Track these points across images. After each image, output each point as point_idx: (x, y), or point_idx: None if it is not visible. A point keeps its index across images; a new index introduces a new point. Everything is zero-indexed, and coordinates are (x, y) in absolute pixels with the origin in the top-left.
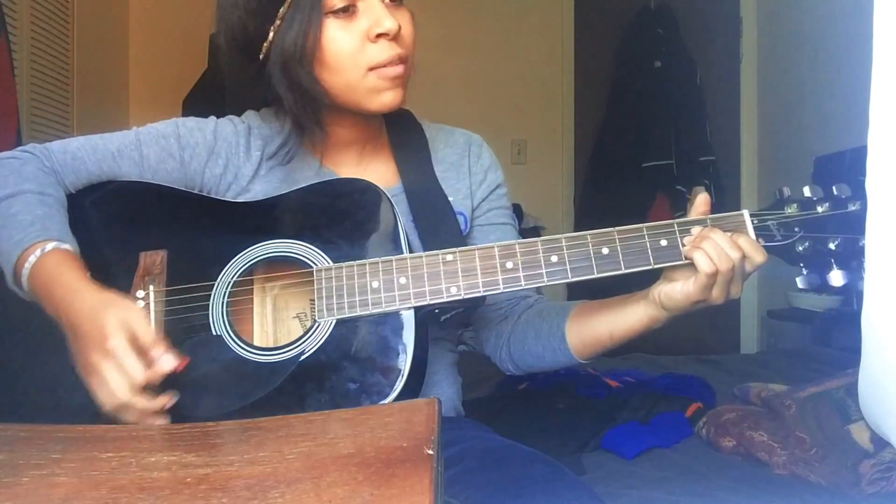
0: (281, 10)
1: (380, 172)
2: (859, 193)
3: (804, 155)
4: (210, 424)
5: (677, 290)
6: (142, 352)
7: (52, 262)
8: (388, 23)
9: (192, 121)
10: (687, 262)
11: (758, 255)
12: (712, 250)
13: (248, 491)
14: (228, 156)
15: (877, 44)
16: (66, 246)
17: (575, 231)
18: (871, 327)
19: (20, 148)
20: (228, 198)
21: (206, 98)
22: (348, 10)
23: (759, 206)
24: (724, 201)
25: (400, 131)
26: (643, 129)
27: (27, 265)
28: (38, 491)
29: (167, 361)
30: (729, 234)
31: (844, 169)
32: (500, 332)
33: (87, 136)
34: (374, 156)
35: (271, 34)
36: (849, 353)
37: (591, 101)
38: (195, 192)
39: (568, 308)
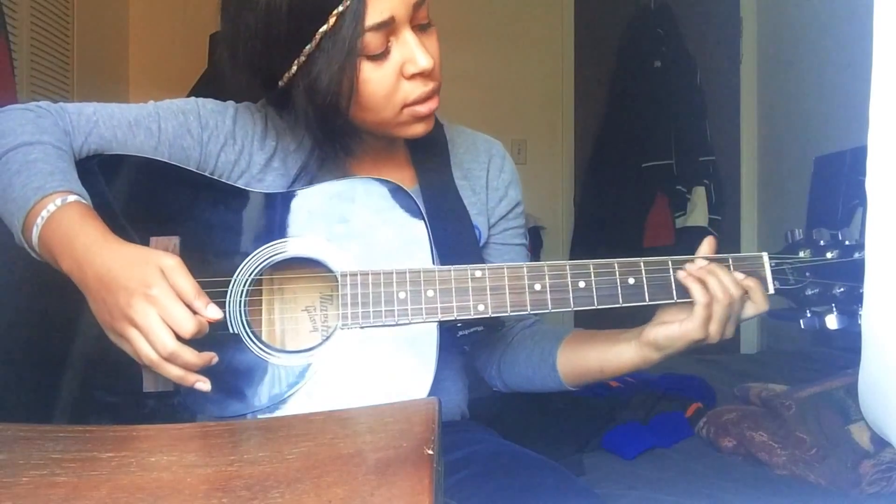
0: (307, 48)
1: (396, 173)
2: (860, 240)
3: (804, 155)
4: (210, 424)
5: (675, 329)
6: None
7: (75, 213)
8: (423, 61)
9: (211, 102)
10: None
11: (762, 303)
12: (711, 281)
13: (248, 491)
14: (244, 143)
15: (877, 44)
16: (87, 203)
17: (575, 231)
18: (870, 327)
19: (34, 103)
20: (239, 185)
21: (207, 97)
22: (384, 54)
23: (759, 207)
24: (724, 201)
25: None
26: (643, 129)
27: (44, 213)
28: (38, 491)
29: (214, 311)
30: (743, 275)
31: (844, 169)
32: (494, 348)
33: (103, 103)
34: (391, 155)
35: (294, 67)
36: (849, 353)
37: (591, 101)
38: (206, 174)
39: (561, 335)
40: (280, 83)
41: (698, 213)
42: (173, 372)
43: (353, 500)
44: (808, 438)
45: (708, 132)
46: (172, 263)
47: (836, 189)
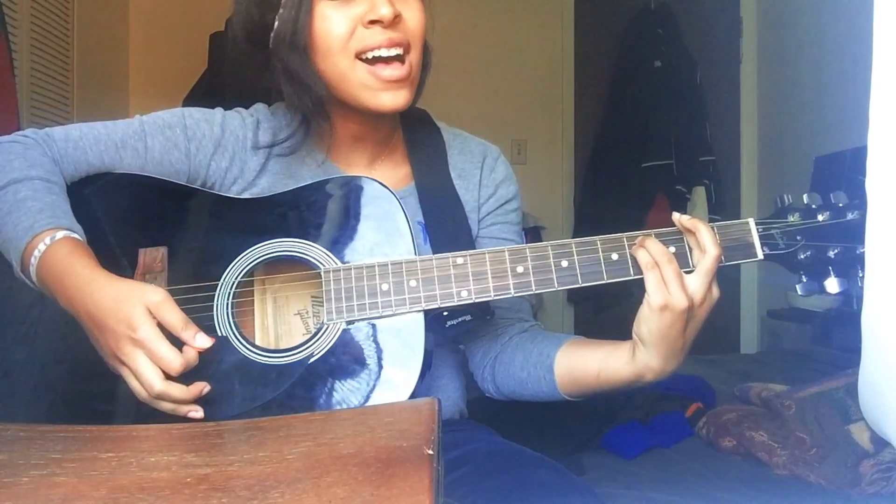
0: None
1: (392, 172)
2: (856, 201)
3: (804, 155)
4: (210, 424)
5: (643, 311)
6: (172, 336)
7: (63, 252)
8: (384, 9)
9: (198, 112)
10: (692, 269)
11: (711, 246)
12: (651, 245)
13: (248, 491)
14: (235, 149)
15: (877, 44)
16: (76, 235)
17: (575, 231)
18: (870, 328)
19: (20, 132)
20: (234, 192)
21: (207, 98)
22: None
23: (759, 206)
24: (724, 201)
25: (415, 131)
26: (643, 129)
27: (36, 253)
28: (38, 491)
29: (202, 340)
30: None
31: (844, 169)
32: (489, 349)
33: (89, 123)
34: (388, 156)
35: (277, 22)
36: (849, 353)
37: (591, 101)
38: (198, 184)
39: (561, 339)
40: (269, 46)
41: (698, 213)
42: (165, 407)
43: (353, 500)
44: (808, 438)
45: (708, 132)
46: (158, 299)
47: (836, 189)
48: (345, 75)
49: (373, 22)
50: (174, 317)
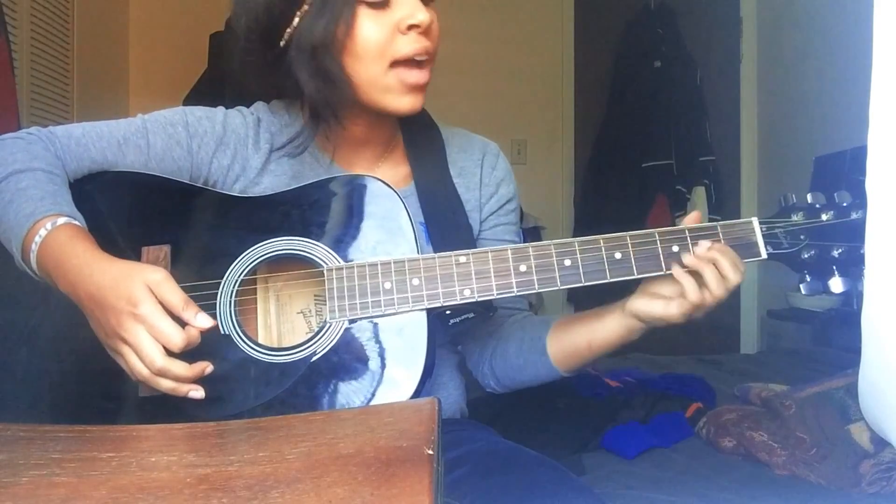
0: None
1: (392, 172)
2: (859, 200)
3: (804, 155)
4: (210, 424)
5: (657, 310)
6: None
7: (64, 236)
8: (422, 15)
9: (199, 110)
10: (689, 270)
11: (733, 275)
12: (708, 276)
13: (248, 491)
14: (237, 147)
15: (877, 44)
16: (77, 222)
17: (575, 231)
18: (871, 328)
19: (24, 130)
20: (236, 190)
21: (207, 98)
22: (384, 3)
23: (759, 206)
24: (724, 201)
25: (415, 131)
26: (643, 129)
27: (38, 238)
28: (38, 491)
29: (203, 319)
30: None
31: (844, 169)
32: (486, 345)
33: (91, 122)
34: (388, 156)
35: (296, 20)
36: (849, 353)
37: (591, 101)
38: (200, 183)
39: (549, 321)
40: (281, 42)
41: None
42: (165, 385)
43: (353, 500)
44: (808, 438)
45: (708, 132)
46: (159, 278)
47: (836, 189)
48: (374, 79)
49: (411, 27)
50: (174, 296)
